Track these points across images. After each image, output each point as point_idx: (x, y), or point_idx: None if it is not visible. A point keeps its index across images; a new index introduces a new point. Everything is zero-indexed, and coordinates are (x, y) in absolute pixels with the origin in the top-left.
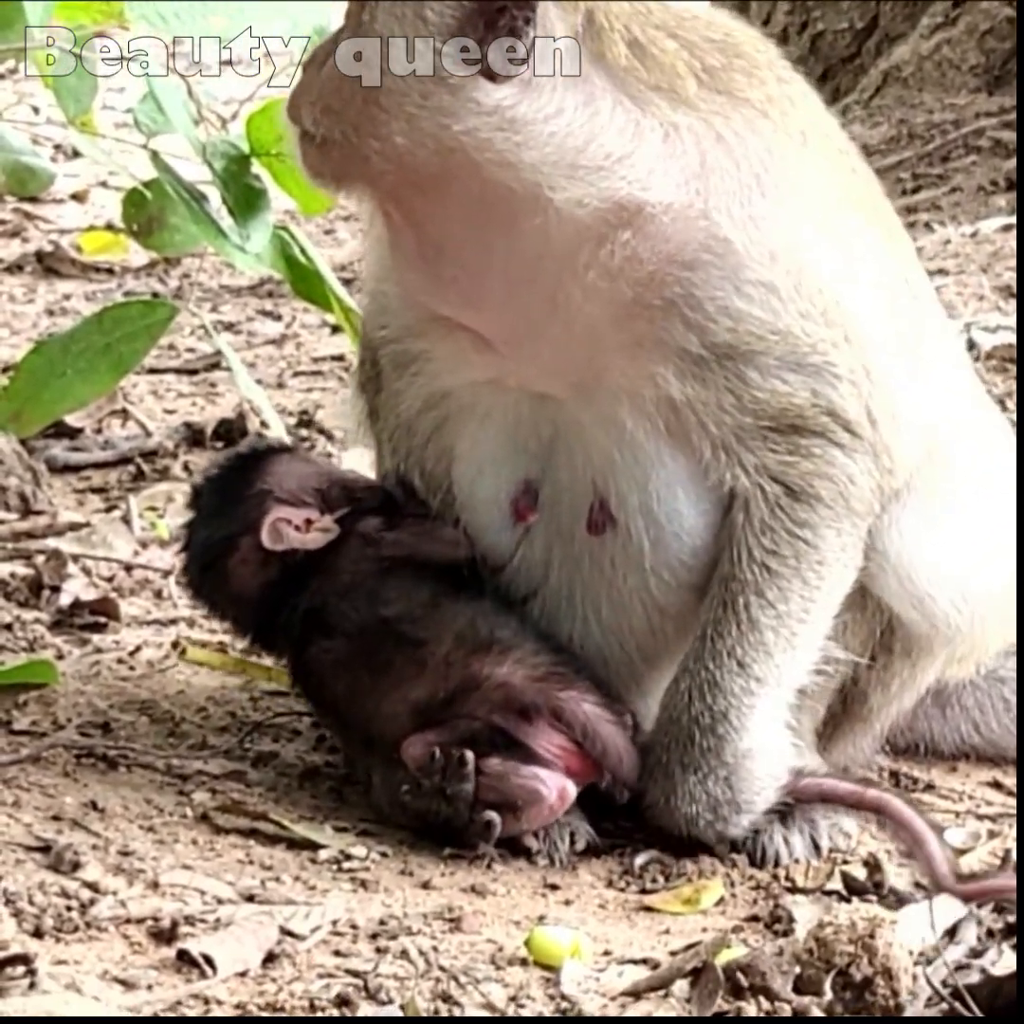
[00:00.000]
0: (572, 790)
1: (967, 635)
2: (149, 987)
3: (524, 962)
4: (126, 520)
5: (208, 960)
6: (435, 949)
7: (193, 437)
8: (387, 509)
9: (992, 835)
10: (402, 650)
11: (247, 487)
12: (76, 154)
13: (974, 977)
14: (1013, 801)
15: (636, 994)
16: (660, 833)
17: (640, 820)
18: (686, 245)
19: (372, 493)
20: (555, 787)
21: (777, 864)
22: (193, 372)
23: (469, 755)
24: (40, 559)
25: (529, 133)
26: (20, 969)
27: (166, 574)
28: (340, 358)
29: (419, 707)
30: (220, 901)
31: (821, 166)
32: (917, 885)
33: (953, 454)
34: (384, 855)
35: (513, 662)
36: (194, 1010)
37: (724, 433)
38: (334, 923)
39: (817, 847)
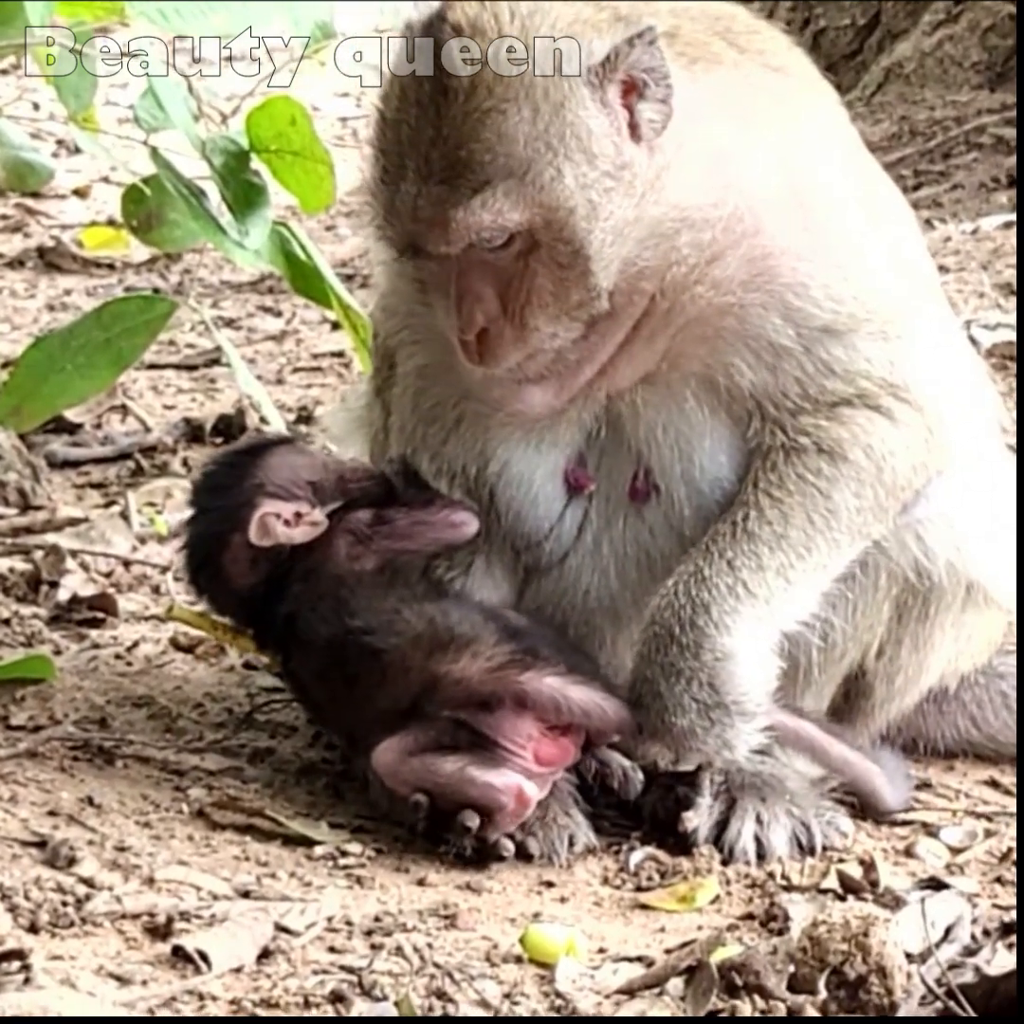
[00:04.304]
0: (530, 789)
1: (995, 602)
2: (144, 983)
3: (519, 959)
4: (125, 516)
5: (203, 956)
6: (430, 946)
7: (192, 433)
8: (382, 499)
9: (989, 834)
10: (365, 661)
11: (239, 481)
12: (77, 150)
13: (968, 976)
14: (1010, 799)
15: (631, 992)
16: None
17: (637, 817)
18: (794, 237)
19: (370, 483)
20: (512, 792)
21: (762, 860)
22: (193, 368)
23: (474, 822)
24: (38, 554)
25: (676, 164)
26: (15, 964)
27: (164, 570)
28: (340, 354)
29: (386, 715)
30: (215, 897)
31: (847, 129)
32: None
33: (977, 425)
34: (379, 852)
35: (470, 656)
36: (189, 1006)
37: (780, 413)
38: (329, 919)
39: (802, 846)
